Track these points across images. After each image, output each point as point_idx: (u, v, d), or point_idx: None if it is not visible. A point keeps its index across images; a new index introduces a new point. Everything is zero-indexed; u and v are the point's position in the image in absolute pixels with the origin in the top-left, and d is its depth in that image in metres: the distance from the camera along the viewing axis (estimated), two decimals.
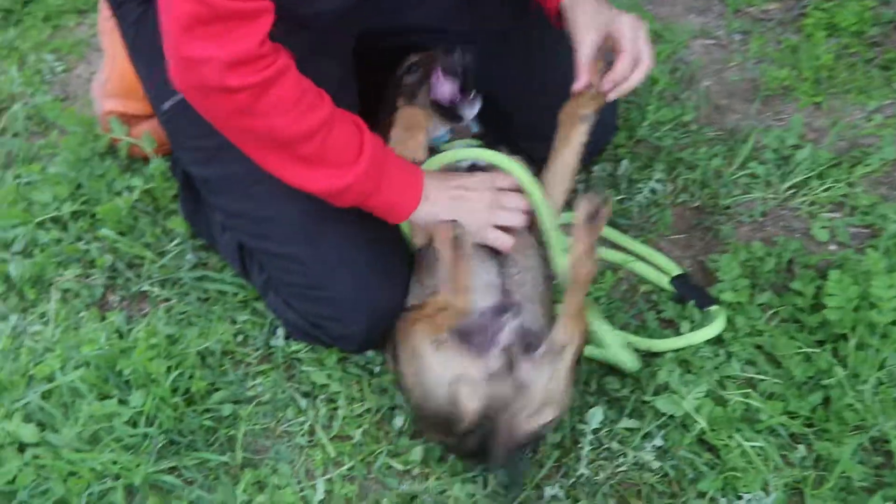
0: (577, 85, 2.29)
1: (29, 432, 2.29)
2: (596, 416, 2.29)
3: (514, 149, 2.51)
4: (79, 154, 2.82)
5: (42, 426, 2.32)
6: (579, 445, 2.26)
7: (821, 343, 2.42)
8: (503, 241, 2.28)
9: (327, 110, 2.05)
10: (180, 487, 2.25)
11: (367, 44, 2.51)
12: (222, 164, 2.31)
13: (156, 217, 2.72)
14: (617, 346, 2.33)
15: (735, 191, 2.77)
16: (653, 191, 2.77)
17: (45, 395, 2.36)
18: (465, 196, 2.27)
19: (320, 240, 2.30)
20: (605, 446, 2.28)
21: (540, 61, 2.58)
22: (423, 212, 2.21)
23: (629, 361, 2.33)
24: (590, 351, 2.39)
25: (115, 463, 2.23)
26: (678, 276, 2.55)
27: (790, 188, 2.77)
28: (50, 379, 2.37)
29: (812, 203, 2.74)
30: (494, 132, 2.55)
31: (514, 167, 2.33)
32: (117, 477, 2.23)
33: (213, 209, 2.50)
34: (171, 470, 2.27)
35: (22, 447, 2.29)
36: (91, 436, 2.27)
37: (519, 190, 2.33)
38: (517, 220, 2.30)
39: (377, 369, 2.42)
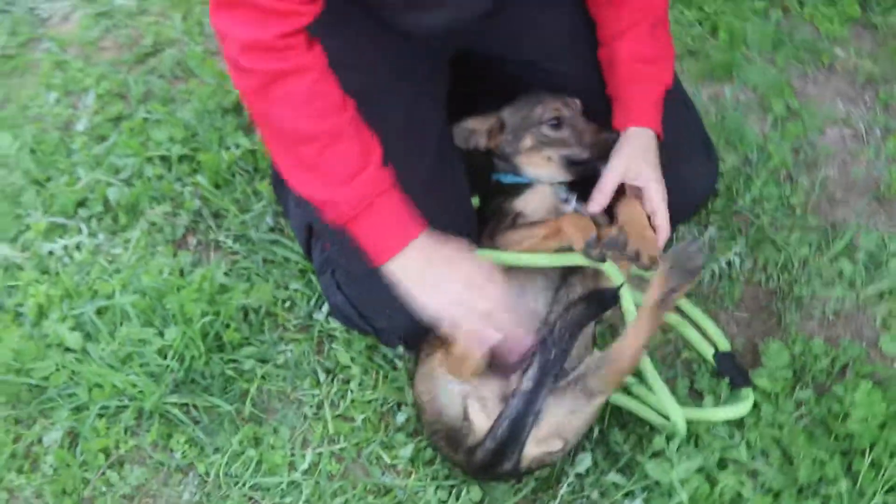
0: (591, 207, 2.38)
1: (74, 339, 2.49)
2: (584, 461, 2.31)
3: None
4: (206, 105, 3.02)
5: (88, 337, 2.51)
6: (559, 485, 2.27)
7: (844, 454, 2.33)
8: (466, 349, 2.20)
9: (337, 124, 2.09)
10: (185, 423, 2.39)
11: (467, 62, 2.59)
12: None
13: (252, 177, 2.88)
14: (669, 401, 2.32)
15: (815, 282, 2.69)
16: (729, 263, 2.72)
17: (100, 311, 2.55)
18: (444, 281, 2.16)
19: None
20: (586, 493, 2.28)
21: None
22: (399, 266, 2.15)
23: (679, 419, 2.31)
24: (629, 403, 2.40)
25: (134, 385, 2.39)
26: (723, 354, 2.51)
27: (873, 294, 2.67)
28: (108, 297, 2.56)
29: (891, 314, 2.63)
30: None
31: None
32: (133, 398, 2.39)
33: None
34: (183, 406, 2.42)
35: (64, 351, 2.49)
36: (125, 356, 2.44)
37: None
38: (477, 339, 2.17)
39: (400, 365, 2.50)
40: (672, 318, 2.59)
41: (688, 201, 2.60)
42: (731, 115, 3.06)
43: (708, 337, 2.56)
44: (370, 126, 2.14)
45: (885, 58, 3.31)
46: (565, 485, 2.26)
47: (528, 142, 2.51)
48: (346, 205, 2.11)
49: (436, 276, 2.14)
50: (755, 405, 2.39)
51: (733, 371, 2.47)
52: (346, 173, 2.09)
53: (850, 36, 3.38)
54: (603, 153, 2.42)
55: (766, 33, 3.31)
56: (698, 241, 2.41)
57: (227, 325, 2.51)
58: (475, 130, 2.54)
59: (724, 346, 2.53)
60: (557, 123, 2.49)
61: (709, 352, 2.52)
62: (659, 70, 2.43)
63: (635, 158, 2.35)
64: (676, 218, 2.63)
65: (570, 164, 2.49)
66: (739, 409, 2.38)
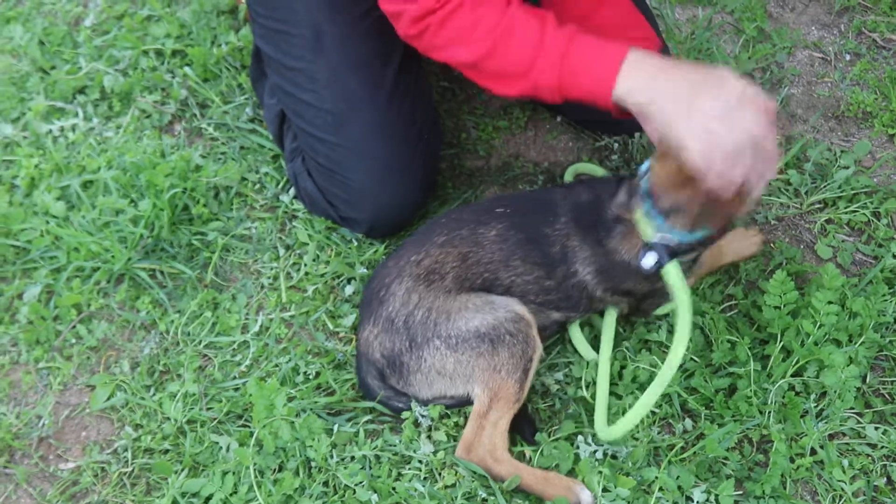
0: None
1: (59, 208, 2.71)
2: None
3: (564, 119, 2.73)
4: (203, 6, 3.20)
5: (71, 207, 2.73)
6: None
7: (764, 343, 2.47)
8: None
9: (504, 26, 2.16)
10: (151, 286, 2.60)
11: None
12: (276, 47, 2.58)
13: (238, 72, 3.06)
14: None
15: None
16: None
17: (85, 185, 2.77)
18: (700, 95, 1.96)
19: (346, 130, 2.54)
20: None
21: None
22: (630, 89, 2.05)
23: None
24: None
25: (107, 250, 2.60)
26: None
27: (817, 202, 2.78)
28: (94, 172, 2.77)
29: (830, 221, 2.75)
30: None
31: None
32: (106, 262, 2.60)
33: (267, 76, 2.80)
34: (151, 270, 2.63)
35: (49, 218, 2.71)
36: (103, 224, 2.65)
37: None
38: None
39: (355, 243, 2.67)
40: None
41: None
42: (702, 34, 3.16)
43: None
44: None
45: None
46: None
47: None
48: (549, 79, 2.14)
49: (688, 87, 1.97)
50: None
51: None
52: (531, 55, 2.14)
53: None
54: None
55: None
56: None
57: (198, 201, 2.71)
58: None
59: None
60: None
61: None
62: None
63: None
64: (623, 129, 2.80)
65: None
66: (672, 305, 2.51)
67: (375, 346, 2.33)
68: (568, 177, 2.77)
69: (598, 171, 2.74)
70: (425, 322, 2.28)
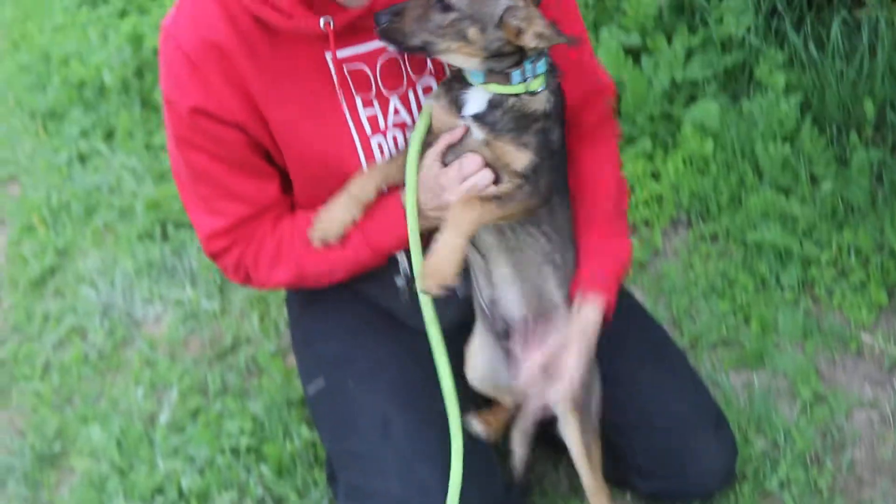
0: None
1: None
2: None
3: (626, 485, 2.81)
4: (274, 398, 3.34)
5: None
6: None
7: None
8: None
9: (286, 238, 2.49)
10: None
11: None
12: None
13: (311, 467, 3.15)
14: None
15: None
16: None
17: None
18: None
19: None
20: None
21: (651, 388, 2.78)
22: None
23: None
24: None
25: None
26: None
27: None
28: None
29: None
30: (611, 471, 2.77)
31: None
32: None
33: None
34: None
35: None
36: None
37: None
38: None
39: None
40: None
41: (701, 482, 2.80)
42: (760, 401, 3.25)
43: None
44: None
45: None
46: None
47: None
48: (365, 251, 2.48)
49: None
50: None
51: None
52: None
53: (878, 322, 3.57)
54: None
55: (796, 322, 3.52)
56: None
57: None
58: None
59: None
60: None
61: None
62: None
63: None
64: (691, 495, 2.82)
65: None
66: None
67: None
68: None
69: None
70: None
